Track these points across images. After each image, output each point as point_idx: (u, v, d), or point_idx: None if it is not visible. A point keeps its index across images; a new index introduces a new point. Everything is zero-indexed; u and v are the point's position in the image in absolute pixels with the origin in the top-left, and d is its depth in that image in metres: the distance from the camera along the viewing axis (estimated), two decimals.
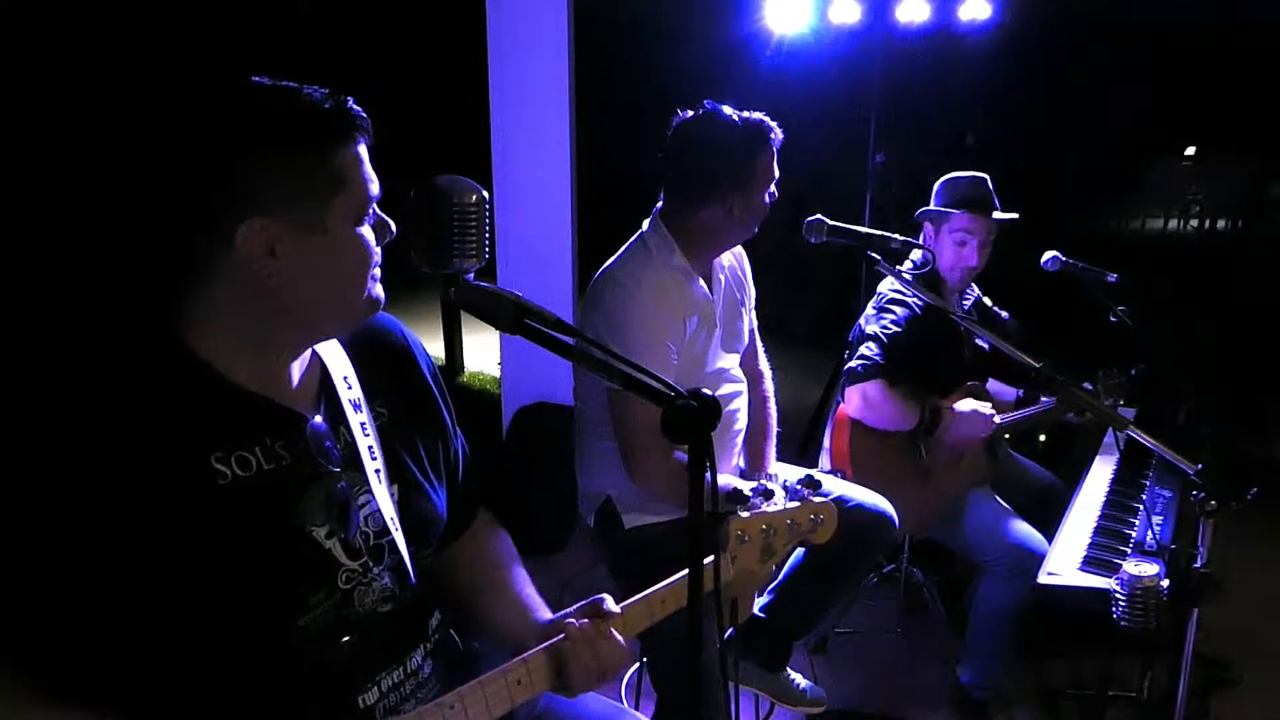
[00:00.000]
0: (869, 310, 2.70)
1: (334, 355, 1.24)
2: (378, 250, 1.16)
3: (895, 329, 2.57)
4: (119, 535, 1.01)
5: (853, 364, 2.55)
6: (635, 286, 2.01)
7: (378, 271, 1.17)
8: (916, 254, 2.62)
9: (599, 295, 2.05)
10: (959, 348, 2.78)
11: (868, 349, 2.54)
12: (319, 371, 1.22)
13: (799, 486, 1.56)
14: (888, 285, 2.72)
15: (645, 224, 2.13)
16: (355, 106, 1.13)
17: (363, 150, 1.13)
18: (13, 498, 1.00)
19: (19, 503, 1.00)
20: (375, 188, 1.15)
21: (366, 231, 1.14)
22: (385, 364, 1.31)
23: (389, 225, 1.18)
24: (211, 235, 1.07)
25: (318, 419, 1.18)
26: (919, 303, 2.60)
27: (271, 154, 1.06)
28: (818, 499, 1.57)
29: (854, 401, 2.54)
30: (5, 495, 1.00)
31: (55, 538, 1.00)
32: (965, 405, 2.59)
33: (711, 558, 1.26)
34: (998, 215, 2.67)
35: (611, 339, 1.97)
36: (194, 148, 1.06)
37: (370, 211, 1.14)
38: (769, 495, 1.53)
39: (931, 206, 2.72)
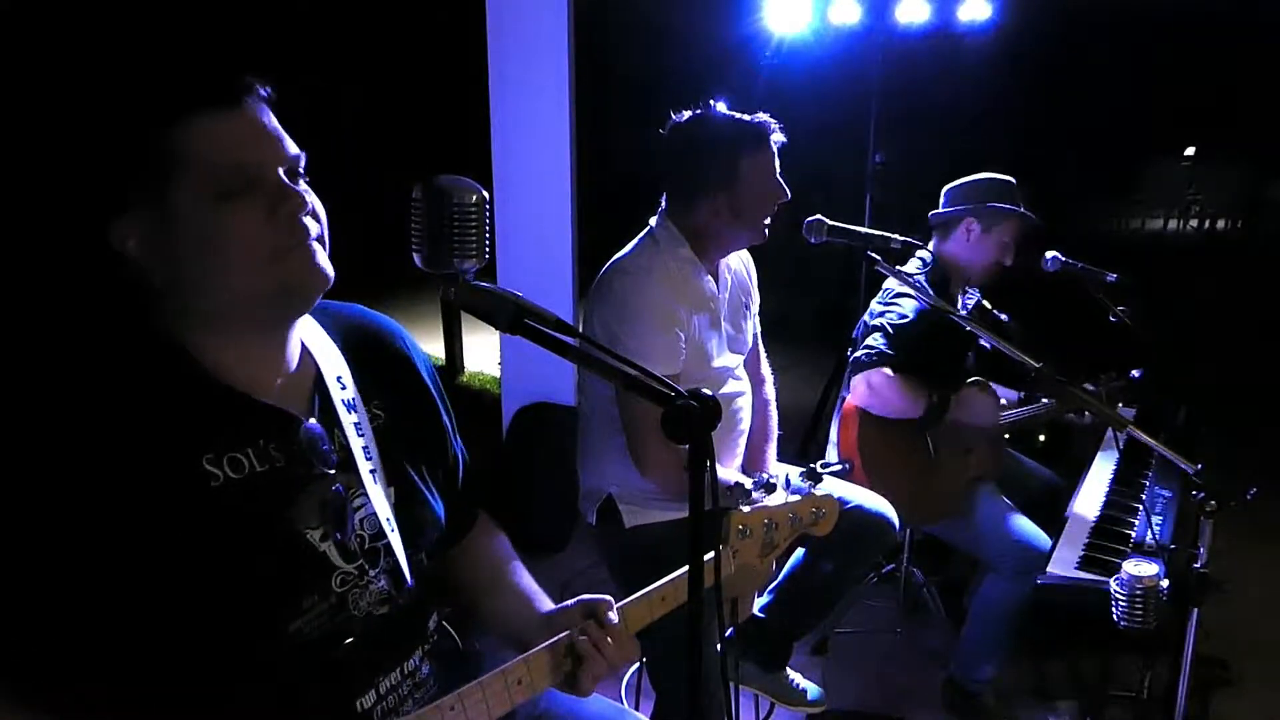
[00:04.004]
0: (875, 305, 2.70)
1: (328, 355, 1.22)
2: (273, 225, 1.06)
3: (903, 320, 2.57)
4: (108, 539, 0.99)
5: (859, 353, 2.55)
6: (645, 274, 2.03)
7: (292, 243, 1.07)
8: (925, 254, 2.62)
9: (608, 284, 2.06)
10: (964, 346, 2.78)
11: (874, 339, 2.54)
12: (312, 372, 1.20)
13: (800, 480, 1.57)
14: (896, 281, 2.72)
15: (653, 221, 2.15)
16: (216, 74, 1.04)
17: (223, 122, 1.03)
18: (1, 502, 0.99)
19: (5, 507, 0.99)
20: (256, 155, 1.05)
21: (237, 210, 1.04)
22: (383, 366, 1.29)
23: (289, 196, 1.06)
24: (93, 239, 1.05)
25: (312, 420, 1.16)
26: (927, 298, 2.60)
27: (100, 148, 1.04)
28: (819, 492, 1.57)
29: (859, 389, 2.54)
30: None
31: (43, 542, 0.99)
32: (973, 390, 2.60)
33: (711, 555, 1.26)
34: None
35: (621, 326, 1.98)
36: (40, 151, 1.06)
37: (242, 185, 1.04)
38: (770, 489, 1.53)
39: (988, 203, 2.69)
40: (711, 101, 2.10)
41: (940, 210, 2.78)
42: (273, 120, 1.09)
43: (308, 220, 1.09)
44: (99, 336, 1.09)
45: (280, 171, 1.08)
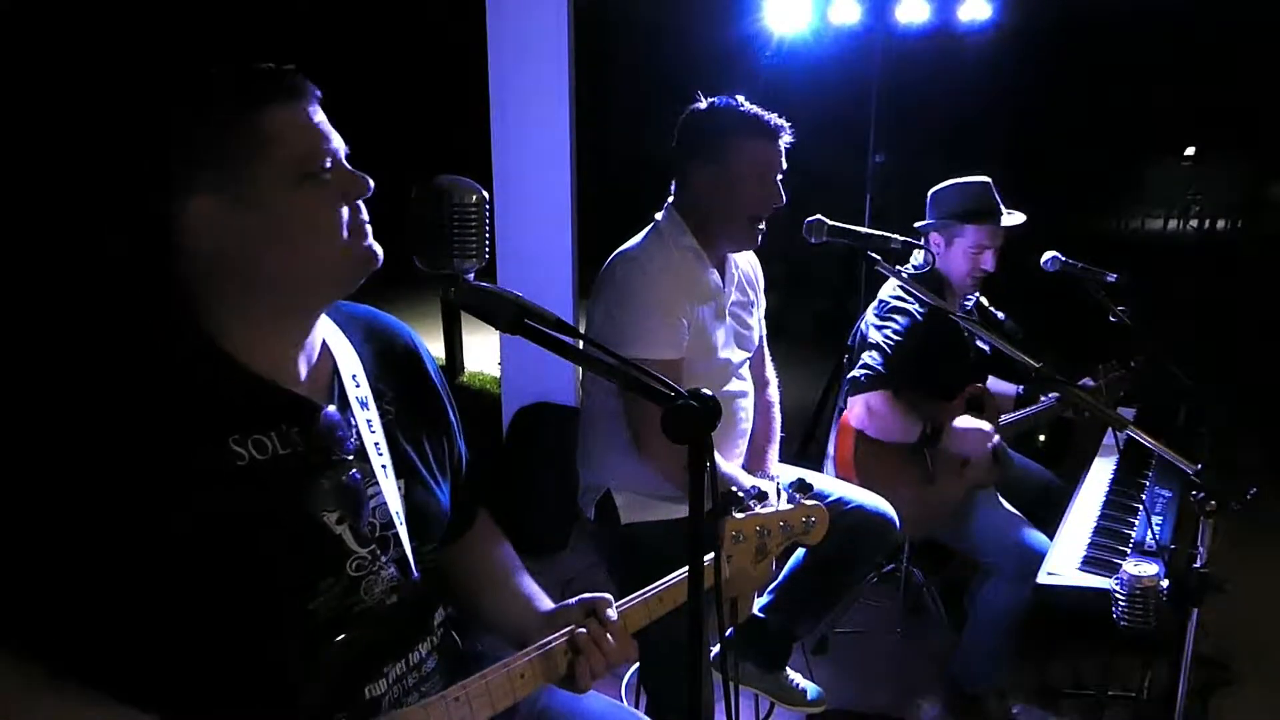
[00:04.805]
0: (870, 316, 2.69)
1: (344, 353, 1.26)
2: (343, 207, 1.14)
3: (898, 337, 2.56)
4: (136, 512, 1.02)
5: (856, 373, 2.55)
6: (648, 262, 2.04)
7: (356, 225, 1.15)
8: (918, 255, 2.61)
9: (612, 273, 2.07)
10: (962, 350, 2.77)
11: (870, 358, 2.54)
12: (329, 367, 1.24)
13: (791, 490, 1.58)
14: (889, 290, 2.71)
15: (659, 214, 2.16)
16: (285, 69, 1.13)
17: (298, 111, 1.12)
18: (30, 478, 1.02)
19: (36, 483, 1.01)
20: (325, 143, 1.13)
21: (316, 191, 1.12)
22: (394, 364, 1.33)
23: (359, 181, 1.15)
24: (162, 222, 1.10)
25: (331, 408, 1.20)
26: (920, 308, 2.60)
27: (184, 131, 1.09)
28: (810, 501, 1.59)
29: (857, 411, 2.53)
30: (23, 477, 1.02)
31: (70, 517, 1.01)
32: (964, 422, 2.58)
33: (710, 556, 1.27)
34: (1009, 222, 2.68)
35: (622, 312, 1.99)
36: (121, 134, 1.09)
37: (319, 168, 1.12)
38: (763, 497, 1.54)
39: (939, 219, 2.70)
40: (735, 96, 2.11)
41: (920, 223, 2.78)
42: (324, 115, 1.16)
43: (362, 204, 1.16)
44: (135, 322, 1.13)
45: (343, 159, 1.15)
